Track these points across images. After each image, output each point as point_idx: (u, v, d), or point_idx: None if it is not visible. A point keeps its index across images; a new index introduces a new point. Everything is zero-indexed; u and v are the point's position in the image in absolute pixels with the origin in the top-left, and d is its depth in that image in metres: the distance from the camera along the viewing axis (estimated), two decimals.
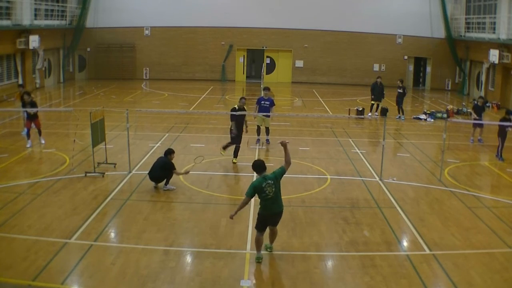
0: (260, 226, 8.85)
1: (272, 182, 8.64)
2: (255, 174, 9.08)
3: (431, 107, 26.59)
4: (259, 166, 8.79)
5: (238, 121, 14.78)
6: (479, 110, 18.39)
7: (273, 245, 9.26)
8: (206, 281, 8.16)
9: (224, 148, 15.13)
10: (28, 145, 16.11)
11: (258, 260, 8.82)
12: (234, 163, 14.98)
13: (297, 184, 13.31)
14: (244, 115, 14.88)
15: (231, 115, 14.69)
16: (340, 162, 15.45)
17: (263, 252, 9.01)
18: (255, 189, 8.62)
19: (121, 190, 12.41)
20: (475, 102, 18.71)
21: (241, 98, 15.27)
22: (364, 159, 15.82)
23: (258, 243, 8.86)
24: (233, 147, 15.07)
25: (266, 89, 17.24)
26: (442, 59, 34.52)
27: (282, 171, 8.81)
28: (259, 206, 8.85)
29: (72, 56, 34.35)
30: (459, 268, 8.77)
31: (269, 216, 8.83)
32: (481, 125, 18.11)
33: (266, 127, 17.12)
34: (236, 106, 15.09)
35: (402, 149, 17.55)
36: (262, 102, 16.82)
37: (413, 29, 34.58)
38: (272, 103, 16.92)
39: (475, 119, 18.43)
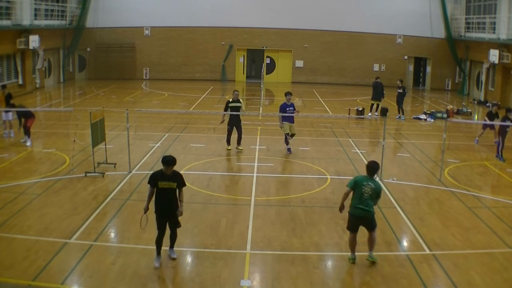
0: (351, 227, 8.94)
1: (371, 187, 8.75)
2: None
3: (431, 107, 26.58)
4: (371, 168, 8.89)
5: (233, 113, 15.98)
6: (492, 117, 18.03)
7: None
8: (206, 281, 8.16)
9: (229, 142, 16.36)
10: (28, 144, 16.23)
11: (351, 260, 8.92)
12: (241, 149, 16.27)
13: (297, 184, 13.31)
14: (239, 107, 16.18)
15: (225, 108, 16.25)
16: (340, 162, 15.45)
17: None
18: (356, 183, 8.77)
19: (121, 190, 12.41)
20: (490, 109, 18.41)
21: (234, 91, 16.60)
22: (364, 159, 15.80)
23: (351, 244, 8.97)
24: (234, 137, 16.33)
25: (289, 94, 16.10)
26: (442, 59, 34.52)
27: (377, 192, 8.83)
28: (352, 202, 8.88)
29: (72, 56, 34.35)
30: (459, 268, 8.77)
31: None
32: (493, 128, 17.87)
33: (292, 134, 16.15)
34: (230, 99, 16.47)
35: (402, 149, 17.55)
36: (287, 108, 15.82)
37: (413, 29, 34.58)
38: (294, 108, 16.24)
39: (485, 121, 18.04)
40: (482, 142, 18.27)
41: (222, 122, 16.64)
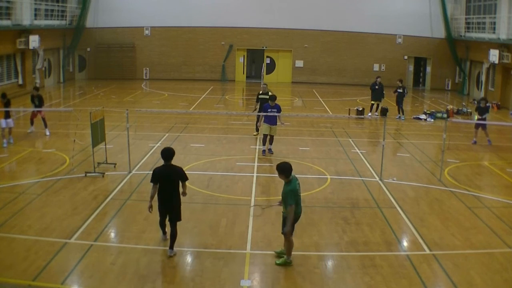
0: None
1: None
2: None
3: (431, 107, 26.58)
4: (288, 169, 8.74)
5: (262, 104, 17.15)
6: (482, 111, 18.20)
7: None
8: (206, 281, 8.16)
9: (257, 129, 17.89)
10: (29, 130, 18.07)
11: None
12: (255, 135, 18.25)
13: None
14: (267, 99, 17.00)
15: (256, 99, 18.17)
16: (340, 162, 15.44)
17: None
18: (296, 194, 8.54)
19: (121, 190, 12.41)
20: (479, 104, 18.61)
21: (262, 84, 18.68)
22: (364, 159, 15.81)
23: (292, 246, 8.82)
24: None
25: (273, 98, 15.95)
26: (442, 59, 34.51)
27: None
28: (296, 208, 8.63)
29: (72, 56, 34.35)
30: (459, 268, 8.77)
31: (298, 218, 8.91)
32: (484, 126, 18.03)
33: (271, 136, 15.99)
34: (260, 91, 18.13)
35: (402, 149, 17.54)
36: (269, 110, 15.67)
37: (413, 29, 34.58)
38: (279, 110, 15.84)
39: (478, 119, 18.34)
40: (481, 142, 18.27)
41: (254, 110, 18.09)
